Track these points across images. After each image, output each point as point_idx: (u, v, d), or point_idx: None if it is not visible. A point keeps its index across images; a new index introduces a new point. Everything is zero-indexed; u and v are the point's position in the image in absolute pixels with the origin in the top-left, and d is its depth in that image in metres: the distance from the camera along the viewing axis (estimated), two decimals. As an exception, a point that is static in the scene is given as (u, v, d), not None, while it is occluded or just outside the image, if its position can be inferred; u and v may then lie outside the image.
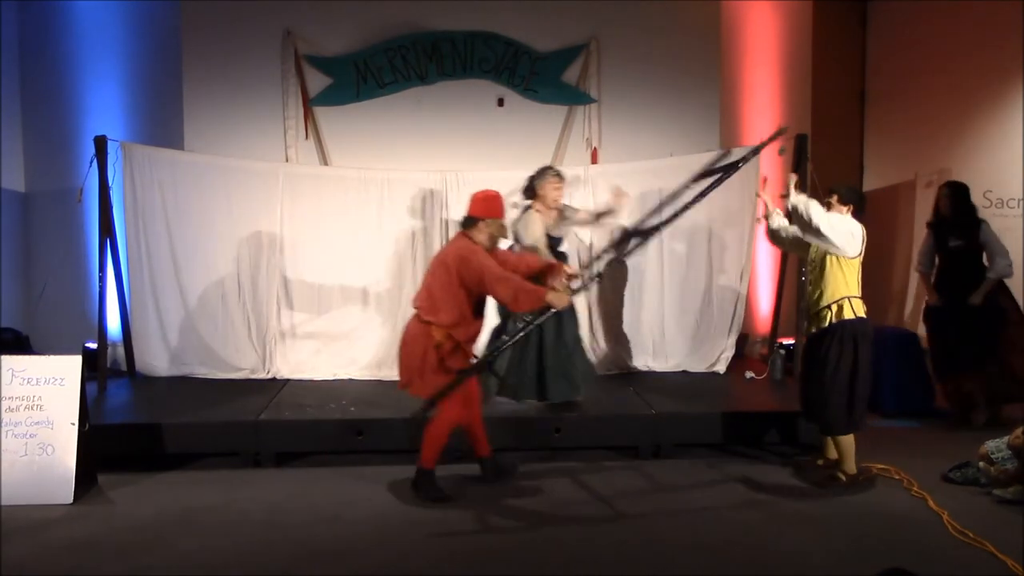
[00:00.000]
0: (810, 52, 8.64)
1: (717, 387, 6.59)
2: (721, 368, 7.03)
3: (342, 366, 6.79)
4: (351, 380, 6.69)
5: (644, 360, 7.05)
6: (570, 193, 6.85)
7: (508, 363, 5.75)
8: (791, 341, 6.89)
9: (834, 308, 4.93)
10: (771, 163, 7.71)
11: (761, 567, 3.99)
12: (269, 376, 6.73)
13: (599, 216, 6.11)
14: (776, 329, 7.06)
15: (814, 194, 6.70)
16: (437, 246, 6.87)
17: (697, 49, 7.71)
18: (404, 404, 5.90)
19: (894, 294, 9.58)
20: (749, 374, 6.85)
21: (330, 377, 6.74)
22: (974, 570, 3.92)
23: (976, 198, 8.95)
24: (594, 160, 7.46)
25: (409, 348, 4.79)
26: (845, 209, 5.07)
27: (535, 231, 5.72)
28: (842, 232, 4.89)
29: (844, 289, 4.93)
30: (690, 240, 7.02)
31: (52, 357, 4.99)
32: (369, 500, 4.85)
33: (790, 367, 6.66)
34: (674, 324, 7.09)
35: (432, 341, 4.68)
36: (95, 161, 6.28)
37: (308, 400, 5.99)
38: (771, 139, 5.07)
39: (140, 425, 5.47)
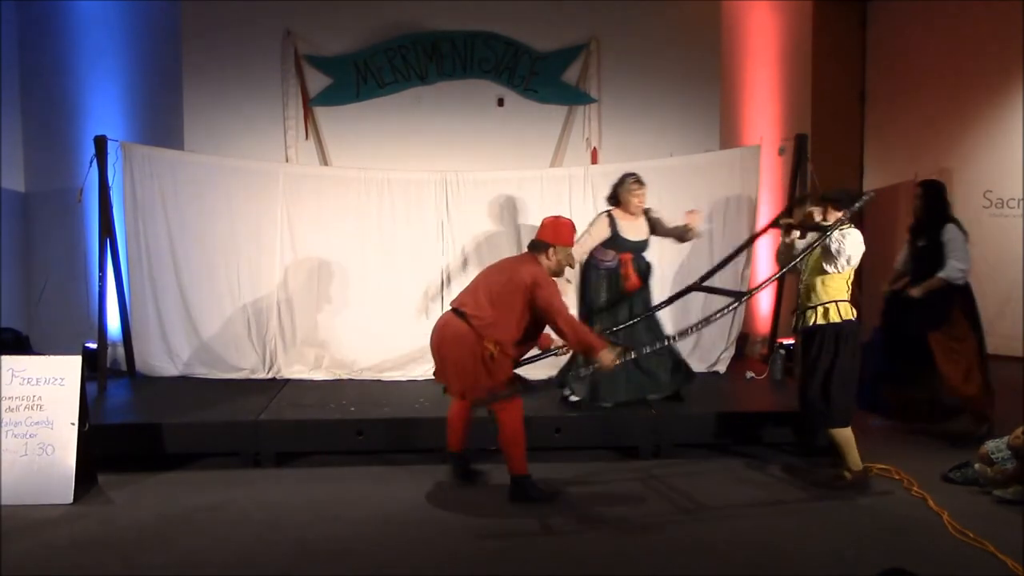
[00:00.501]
0: (810, 52, 8.64)
1: (717, 387, 6.59)
2: (721, 368, 7.03)
3: (342, 366, 6.79)
4: (351, 380, 6.69)
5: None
6: (570, 193, 6.90)
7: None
8: (791, 341, 6.88)
9: (820, 310, 4.93)
10: (771, 163, 7.72)
11: (761, 567, 3.99)
12: (269, 376, 6.73)
13: (681, 235, 6.02)
14: (776, 329, 7.06)
15: (814, 195, 6.73)
16: (437, 246, 6.88)
17: (697, 49, 7.70)
18: (404, 404, 5.92)
19: (894, 294, 9.57)
20: (749, 374, 6.85)
21: (330, 377, 6.74)
22: (974, 570, 3.92)
23: (976, 198, 8.99)
24: (594, 160, 7.46)
25: (457, 352, 4.71)
26: (839, 214, 5.01)
27: (592, 231, 5.82)
28: (856, 255, 4.92)
29: (834, 293, 4.93)
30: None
31: (52, 357, 4.99)
32: (369, 500, 4.85)
33: (790, 367, 6.65)
34: (674, 324, 7.07)
35: (484, 351, 4.63)
36: (95, 161, 6.28)
37: (308, 400, 5.99)
38: (861, 203, 5.14)
39: (140, 425, 5.47)
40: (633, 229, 5.88)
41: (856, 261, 4.93)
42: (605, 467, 5.42)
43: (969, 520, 4.41)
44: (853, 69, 9.63)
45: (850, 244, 4.87)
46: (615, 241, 5.84)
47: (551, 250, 4.83)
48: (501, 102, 7.54)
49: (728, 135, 7.87)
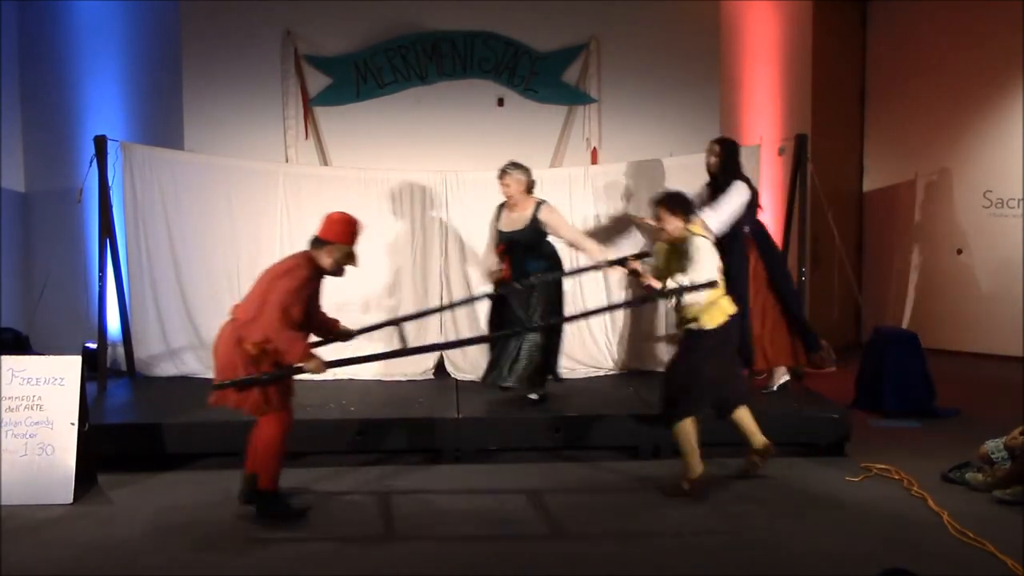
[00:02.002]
0: (810, 52, 8.64)
1: (717, 387, 6.57)
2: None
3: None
4: (351, 380, 6.67)
5: (644, 360, 7.05)
6: (570, 193, 6.89)
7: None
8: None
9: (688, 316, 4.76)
10: (771, 163, 7.72)
11: (761, 567, 3.99)
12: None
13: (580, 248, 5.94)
14: (776, 329, 7.05)
15: (814, 195, 6.75)
16: (436, 246, 6.88)
17: (697, 49, 7.69)
18: (404, 404, 5.92)
19: (894, 294, 9.59)
20: (748, 374, 6.83)
21: (330, 377, 6.71)
22: (974, 570, 3.92)
23: (976, 198, 9.01)
24: (594, 160, 7.46)
25: (222, 359, 4.42)
26: (678, 220, 4.71)
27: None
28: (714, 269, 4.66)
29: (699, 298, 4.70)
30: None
31: (52, 357, 4.99)
32: (368, 500, 4.85)
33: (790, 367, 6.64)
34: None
35: (246, 354, 4.33)
36: (95, 161, 6.27)
37: (308, 400, 5.98)
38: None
39: (140, 425, 5.47)
40: (510, 220, 5.80)
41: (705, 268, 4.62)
42: (605, 467, 5.42)
43: (969, 520, 4.41)
44: (853, 69, 9.64)
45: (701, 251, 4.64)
46: (496, 231, 5.90)
47: (328, 247, 4.48)
48: (501, 102, 7.54)
49: (728, 135, 7.83)
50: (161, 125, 7.36)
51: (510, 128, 7.50)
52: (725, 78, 7.88)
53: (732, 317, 4.82)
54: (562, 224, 5.85)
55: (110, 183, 6.37)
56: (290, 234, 6.80)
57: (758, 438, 5.04)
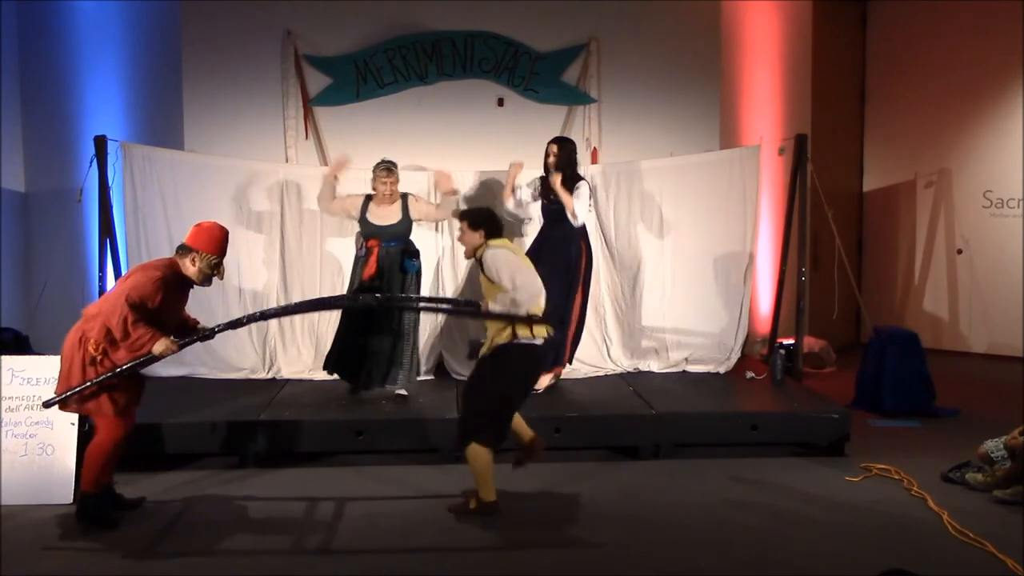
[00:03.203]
0: (810, 52, 8.64)
1: (717, 387, 6.58)
2: (722, 369, 7.02)
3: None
4: (351, 380, 6.68)
5: (645, 361, 7.05)
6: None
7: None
8: (791, 341, 6.89)
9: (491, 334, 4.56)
10: (771, 163, 7.72)
11: (761, 567, 3.99)
12: (269, 376, 6.73)
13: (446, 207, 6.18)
14: (776, 329, 7.06)
15: (814, 195, 6.75)
16: (436, 246, 6.88)
17: (697, 49, 7.69)
18: (404, 404, 5.92)
19: (894, 294, 9.59)
20: (749, 374, 6.84)
21: (330, 377, 6.72)
22: (974, 570, 3.92)
23: (976, 198, 9.01)
24: (594, 160, 7.46)
25: (64, 358, 4.37)
26: (477, 235, 4.60)
27: (346, 200, 6.13)
28: (527, 287, 4.46)
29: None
30: (690, 239, 7.01)
31: (52, 357, 4.97)
32: (368, 500, 4.85)
33: (790, 367, 6.65)
34: (674, 324, 7.08)
35: (87, 354, 4.27)
36: (95, 161, 6.28)
37: (308, 400, 5.99)
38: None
39: (140, 425, 5.42)
40: (382, 214, 6.00)
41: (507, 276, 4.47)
42: (605, 467, 5.42)
43: (969, 520, 4.42)
44: (853, 69, 9.64)
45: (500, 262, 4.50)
46: (361, 224, 6.04)
47: (192, 255, 4.41)
48: (501, 102, 7.54)
49: (728, 135, 7.87)
50: (161, 125, 7.36)
51: (510, 128, 7.50)
52: (725, 78, 7.88)
53: (546, 339, 4.56)
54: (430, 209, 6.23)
55: (110, 183, 6.37)
56: (290, 234, 6.82)
57: (527, 431, 4.79)
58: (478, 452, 4.51)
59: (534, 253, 6.07)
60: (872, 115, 9.72)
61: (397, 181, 6.06)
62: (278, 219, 6.80)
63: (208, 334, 4.58)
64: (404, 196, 6.09)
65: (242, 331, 6.79)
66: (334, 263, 6.84)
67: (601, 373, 6.86)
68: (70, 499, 4.70)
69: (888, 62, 9.50)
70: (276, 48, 7.35)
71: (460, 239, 4.73)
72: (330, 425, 5.51)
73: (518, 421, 4.76)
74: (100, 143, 6.27)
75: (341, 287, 6.85)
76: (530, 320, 4.43)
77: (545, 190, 6.27)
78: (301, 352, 6.85)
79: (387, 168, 6.03)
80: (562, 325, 6.15)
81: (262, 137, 7.31)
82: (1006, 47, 8.68)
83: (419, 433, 5.56)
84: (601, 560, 4.07)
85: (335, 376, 6.20)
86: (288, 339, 6.84)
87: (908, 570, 3.05)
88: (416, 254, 6.14)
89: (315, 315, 6.84)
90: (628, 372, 6.91)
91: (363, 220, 6.06)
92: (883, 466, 5.27)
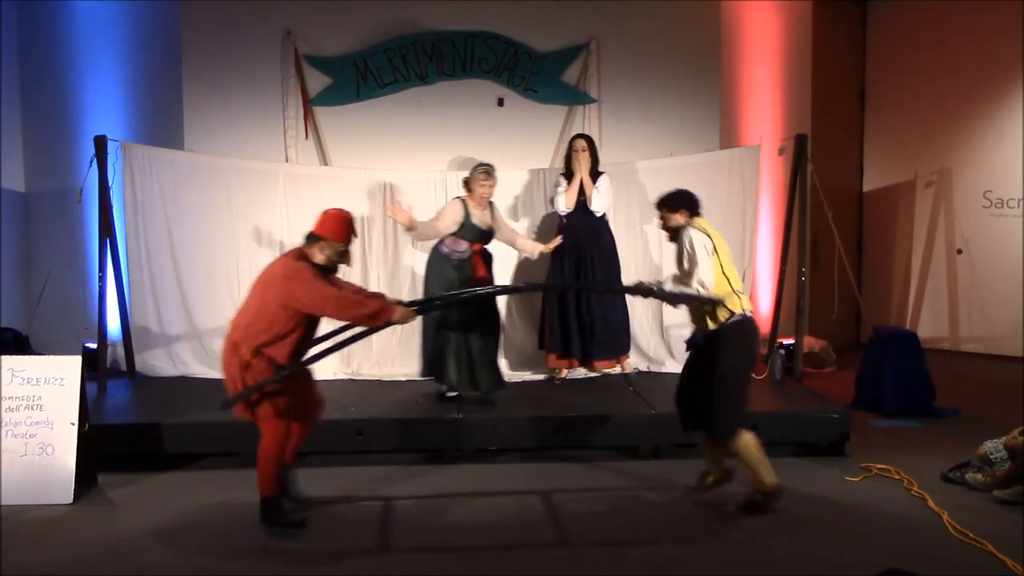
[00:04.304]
0: (810, 52, 8.64)
1: (717, 387, 6.57)
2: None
3: (342, 366, 6.79)
4: (351, 380, 6.69)
5: (645, 361, 7.05)
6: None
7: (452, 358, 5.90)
8: (791, 341, 6.89)
9: (713, 311, 4.51)
10: (771, 163, 7.72)
11: (761, 567, 3.99)
12: (269, 376, 6.72)
13: (515, 245, 6.30)
14: (776, 329, 7.05)
15: (814, 195, 6.75)
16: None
17: (697, 49, 7.69)
18: (404, 404, 5.92)
19: (894, 294, 9.59)
20: (749, 374, 6.84)
21: (330, 377, 6.73)
22: (974, 570, 3.92)
23: (976, 198, 9.02)
24: (594, 160, 7.45)
25: (225, 366, 4.44)
26: (681, 217, 4.64)
27: (445, 213, 5.96)
28: (706, 268, 4.47)
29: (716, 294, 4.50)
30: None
31: (52, 357, 4.99)
32: (368, 500, 4.85)
33: (790, 367, 6.65)
34: (674, 324, 7.08)
35: (242, 361, 4.32)
36: (95, 161, 6.28)
37: (308, 400, 5.98)
38: None
39: (140, 425, 5.47)
40: (482, 218, 6.00)
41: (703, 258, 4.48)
42: (605, 467, 5.42)
43: (969, 520, 4.42)
44: (853, 69, 9.64)
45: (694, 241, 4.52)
46: (465, 228, 5.94)
47: (321, 244, 4.44)
48: (501, 102, 7.54)
49: (728, 135, 7.87)
50: (161, 125, 7.36)
51: (510, 128, 7.50)
52: (725, 78, 7.88)
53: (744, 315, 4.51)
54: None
55: (110, 183, 6.37)
56: (290, 234, 6.81)
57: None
58: (744, 440, 4.48)
59: (569, 245, 6.38)
60: (872, 115, 9.72)
61: (495, 184, 6.04)
62: (278, 219, 6.80)
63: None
64: (491, 203, 6.11)
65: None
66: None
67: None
68: (70, 499, 4.71)
69: (888, 62, 9.50)
70: (276, 48, 7.35)
71: (662, 226, 4.74)
72: (330, 425, 5.51)
73: (754, 462, 4.54)
74: (100, 143, 6.27)
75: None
76: (712, 301, 4.45)
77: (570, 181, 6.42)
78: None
79: (486, 171, 5.97)
80: (623, 311, 6.57)
81: (262, 137, 7.31)
82: (1006, 47, 8.68)
83: (419, 433, 5.56)
84: (601, 560, 4.07)
85: (430, 378, 6.05)
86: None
87: (908, 570, 3.06)
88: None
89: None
90: (628, 372, 6.90)
91: (469, 224, 5.94)
92: (883, 466, 5.27)
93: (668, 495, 4.93)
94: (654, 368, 7.02)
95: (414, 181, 6.90)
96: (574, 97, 7.57)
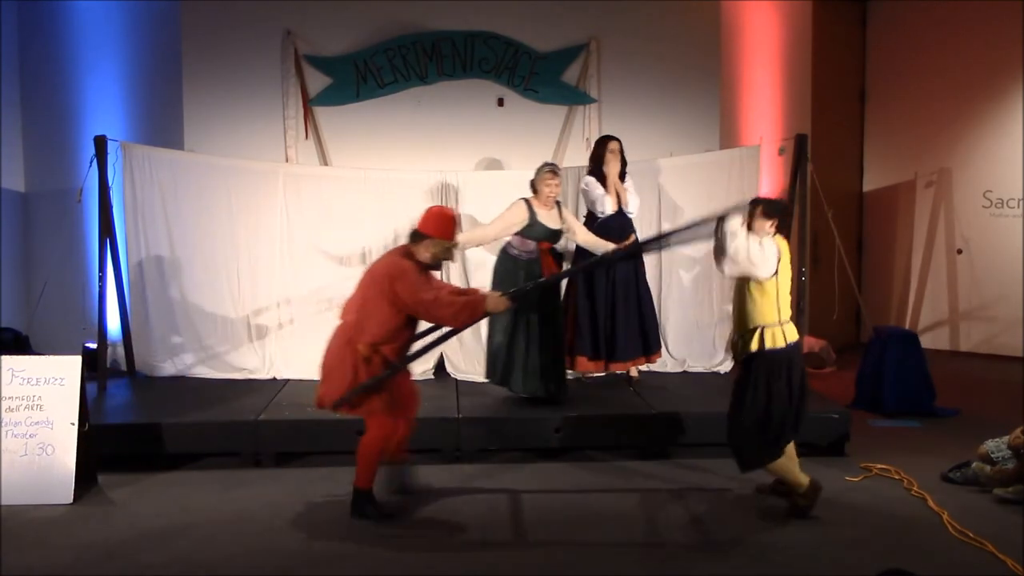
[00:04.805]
0: (810, 52, 8.64)
1: (718, 387, 6.57)
2: (723, 368, 7.03)
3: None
4: (351, 380, 6.68)
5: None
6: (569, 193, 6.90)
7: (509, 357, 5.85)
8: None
9: (752, 336, 4.50)
10: (771, 163, 7.72)
11: (761, 567, 4.00)
12: (269, 376, 6.72)
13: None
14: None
15: (814, 195, 6.75)
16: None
17: (697, 49, 7.69)
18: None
19: (894, 294, 9.59)
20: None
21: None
22: (974, 570, 3.93)
23: (976, 198, 9.02)
24: (594, 160, 7.45)
25: (330, 361, 4.55)
26: (768, 224, 4.52)
27: (507, 215, 5.88)
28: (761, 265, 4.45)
29: (759, 317, 4.49)
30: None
31: (52, 357, 4.99)
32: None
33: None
34: (675, 324, 7.09)
35: (358, 356, 4.42)
36: (95, 161, 6.27)
37: (308, 400, 5.96)
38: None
39: (140, 425, 5.47)
40: (549, 218, 5.94)
41: (762, 272, 4.46)
42: (605, 467, 5.41)
43: (969, 520, 4.42)
44: (853, 69, 9.64)
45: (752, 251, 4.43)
46: (533, 228, 5.89)
47: (427, 242, 4.55)
48: (501, 102, 7.54)
49: (728, 135, 7.86)
50: (161, 125, 7.36)
51: (510, 128, 7.50)
52: (725, 78, 7.88)
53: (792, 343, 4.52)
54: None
55: (110, 183, 6.36)
56: (290, 234, 6.82)
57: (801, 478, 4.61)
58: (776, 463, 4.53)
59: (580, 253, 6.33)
60: (872, 115, 9.72)
61: (560, 183, 6.03)
62: (278, 219, 6.80)
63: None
64: (558, 203, 6.07)
65: (242, 331, 6.81)
66: (334, 262, 6.83)
67: (601, 373, 6.85)
68: (70, 499, 4.71)
69: (888, 62, 9.50)
70: (276, 48, 7.35)
71: (749, 226, 4.50)
72: (330, 425, 5.51)
73: (787, 470, 4.59)
74: (100, 143, 6.27)
75: (341, 285, 6.84)
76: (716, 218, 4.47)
77: (602, 183, 6.35)
78: (301, 352, 6.83)
79: (552, 171, 5.95)
80: (653, 308, 6.56)
81: (262, 137, 7.30)
82: (1006, 47, 8.68)
83: (420, 433, 5.55)
84: (601, 560, 4.07)
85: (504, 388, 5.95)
86: (288, 339, 6.83)
87: (908, 570, 3.05)
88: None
89: (315, 315, 6.84)
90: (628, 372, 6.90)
91: (537, 224, 5.89)
92: (883, 466, 5.27)
93: (668, 495, 4.93)
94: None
95: (414, 181, 6.90)
96: (574, 97, 7.57)
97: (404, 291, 4.37)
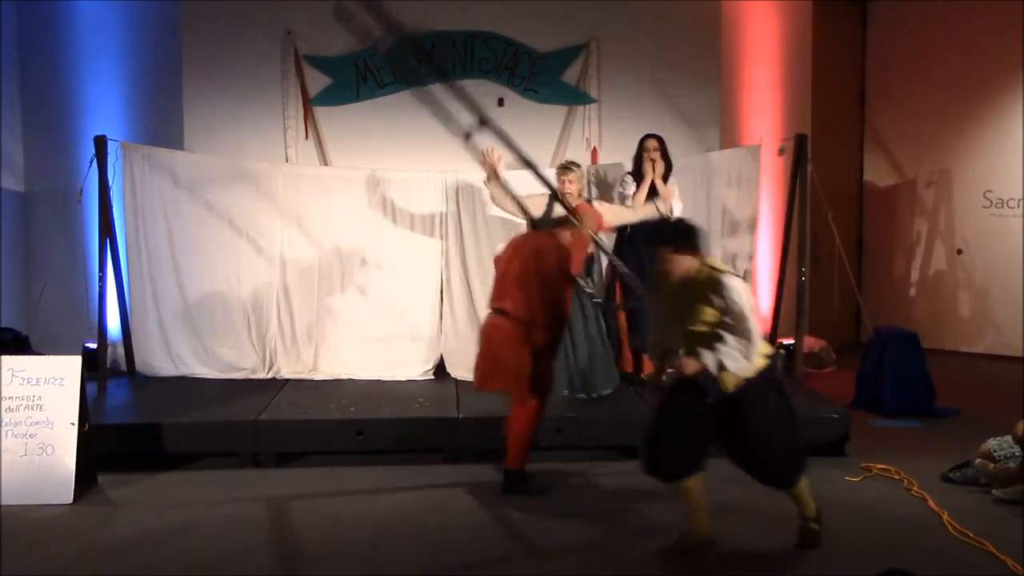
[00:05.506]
0: (810, 52, 8.64)
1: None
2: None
3: (342, 366, 6.79)
4: (351, 380, 6.69)
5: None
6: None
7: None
8: (791, 341, 6.89)
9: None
10: (771, 163, 7.71)
11: (761, 567, 3.99)
12: (269, 376, 6.73)
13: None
14: (776, 329, 7.05)
15: (814, 195, 6.74)
16: (437, 246, 6.88)
17: (697, 49, 7.69)
18: (404, 404, 5.92)
19: (894, 294, 9.59)
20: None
21: (330, 377, 6.74)
22: (974, 570, 3.92)
23: (976, 198, 9.02)
24: (594, 160, 7.46)
25: (505, 350, 4.73)
26: (689, 258, 3.88)
27: (531, 198, 5.86)
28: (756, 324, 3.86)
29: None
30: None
31: (52, 357, 4.99)
32: (368, 500, 4.85)
33: (790, 367, 6.65)
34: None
35: (530, 346, 4.68)
36: (95, 161, 6.28)
37: (308, 400, 5.99)
38: None
39: (140, 425, 5.47)
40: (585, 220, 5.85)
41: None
42: (605, 467, 5.41)
43: (969, 520, 4.42)
44: (853, 69, 9.64)
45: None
46: (543, 226, 5.82)
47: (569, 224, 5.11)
48: (501, 102, 7.54)
49: (728, 135, 7.87)
50: (161, 125, 7.36)
51: (510, 128, 7.35)
52: (725, 78, 7.88)
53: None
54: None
55: (110, 183, 6.37)
56: (290, 234, 6.82)
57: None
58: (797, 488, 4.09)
59: (630, 239, 6.29)
60: (872, 115, 9.72)
61: (580, 180, 5.99)
62: (278, 219, 6.80)
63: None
64: (589, 201, 6.04)
65: (242, 331, 6.82)
66: (334, 262, 6.83)
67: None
68: (70, 499, 4.70)
69: (888, 62, 9.50)
70: (276, 48, 7.35)
71: (664, 268, 3.88)
72: (330, 425, 5.51)
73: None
74: (100, 143, 6.27)
75: (342, 285, 6.85)
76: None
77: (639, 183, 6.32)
78: (301, 352, 6.84)
79: (563, 167, 5.94)
80: None
81: (262, 137, 7.30)
82: (1006, 47, 8.68)
83: (420, 433, 5.56)
84: (602, 560, 4.07)
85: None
86: (288, 339, 6.83)
87: (908, 570, 3.05)
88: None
89: (314, 315, 6.85)
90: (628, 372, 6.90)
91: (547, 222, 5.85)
92: (883, 466, 5.27)
93: (668, 495, 4.92)
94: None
95: (414, 181, 6.90)
96: (574, 97, 7.57)
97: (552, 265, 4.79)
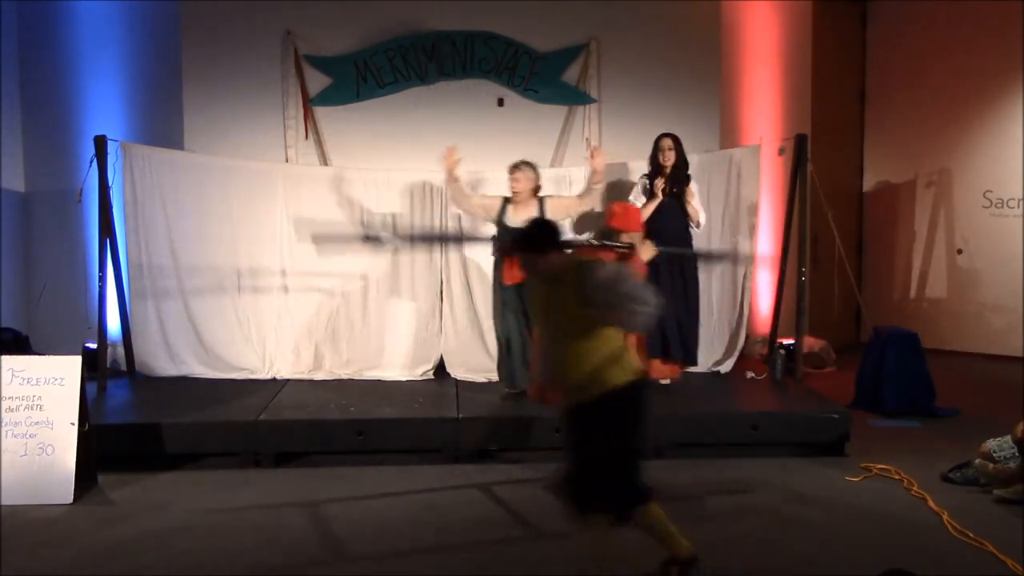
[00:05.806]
0: (810, 52, 8.64)
1: (718, 387, 6.58)
2: (723, 368, 7.03)
3: (342, 366, 6.79)
4: (351, 380, 6.69)
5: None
6: (570, 192, 6.88)
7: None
8: (791, 341, 6.89)
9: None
10: (771, 163, 7.72)
11: (761, 568, 4.00)
12: (269, 376, 6.73)
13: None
14: (776, 329, 7.05)
15: (814, 195, 6.75)
16: (436, 245, 6.88)
17: (697, 49, 7.69)
18: (404, 404, 5.92)
19: (894, 294, 9.59)
20: (749, 374, 6.85)
21: (330, 377, 6.74)
22: (974, 570, 3.93)
23: (976, 198, 9.02)
24: (594, 160, 7.45)
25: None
26: (554, 256, 3.64)
27: (486, 201, 6.05)
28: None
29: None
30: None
31: (52, 357, 4.99)
32: (368, 500, 4.85)
33: (790, 367, 6.65)
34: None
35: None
36: (95, 161, 6.28)
37: (308, 400, 5.99)
38: None
39: (140, 425, 5.47)
40: (520, 218, 5.78)
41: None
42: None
43: (969, 520, 4.42)
44: (853, 69, 9.64)
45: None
46: (499, 228, 5.93)
47: (621, 236, 5.44)
48: (501, 102, 7.54)
49: (728, 135, 7.86)
50: (161, 125, 7.36)
51: (510, 128, 7.49)
52: (725, 78, 7.88)
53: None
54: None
55: (110, 183, 6.37)
56: (290, 234, 6.82)
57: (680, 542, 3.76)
58: (650, 512, 3.75)
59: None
60: (872, 115, 9.72)
61: (530, 180, 5.94)
62: (278, 219, 6.80)
63: None
64: (541, 199, 5.98)
65: (242, 331, 6.81)
66: (334, 262, 6.82)
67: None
68: (70, 499, 4.71)
69: (888, 62, 9.50)
70: (276, 48, 7.35)
71: (530, 270, 3.71)
72: (330, 425, 5.51)
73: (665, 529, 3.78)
74: (100, 143, 6.27)
75: (342, 285, 6.85)
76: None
77: (659, 184, 6.25)
78: (301, 352, 6.84)
79: (514, 166, 5.94)
80: (696, 319, 6.40)
81: (262, 137, 7.30)
82: (1006, 47, 8.68)
83: (420, 433, 5.56)
84: (599, 560, 4.06)
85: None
86: (288, 339, 6.83)
87: (908, 570, 3.05)
88: None
89: (315, 315, 6.85)
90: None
91: (500, 223, 5.91)
92: (883, 466, 5.27)
93: (668, 495, 4.92)
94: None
95: (414, 181, 6.90)
96: (574, 97, 7.57)
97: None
